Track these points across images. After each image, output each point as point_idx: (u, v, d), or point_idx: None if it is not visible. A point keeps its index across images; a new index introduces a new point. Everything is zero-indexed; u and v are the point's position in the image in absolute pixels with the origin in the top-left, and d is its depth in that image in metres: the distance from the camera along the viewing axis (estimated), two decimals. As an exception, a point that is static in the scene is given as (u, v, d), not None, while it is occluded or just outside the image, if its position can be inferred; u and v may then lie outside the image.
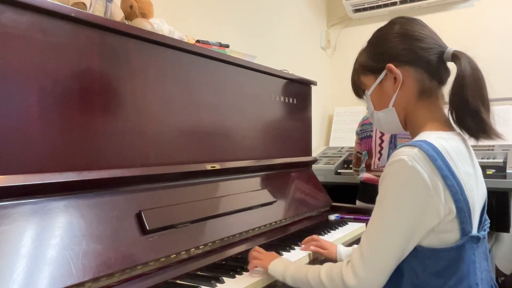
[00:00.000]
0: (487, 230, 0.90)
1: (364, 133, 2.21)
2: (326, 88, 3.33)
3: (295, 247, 1.25)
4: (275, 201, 1.49)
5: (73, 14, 0.91)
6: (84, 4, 1.07)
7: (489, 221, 0.93)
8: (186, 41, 1.36)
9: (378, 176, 2.07)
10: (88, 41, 0.96)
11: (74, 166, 0.92)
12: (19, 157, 0.83)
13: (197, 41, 1.46)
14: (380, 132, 2.11)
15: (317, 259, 1.22)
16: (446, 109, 0.92)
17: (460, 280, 0.80)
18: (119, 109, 1.04)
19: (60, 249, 0.81)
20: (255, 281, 0.99)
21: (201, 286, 0.93)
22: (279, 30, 2.73)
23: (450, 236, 0.80)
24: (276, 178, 1.61)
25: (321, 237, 1.39)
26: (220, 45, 1.50)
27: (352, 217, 1.71)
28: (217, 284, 0.95)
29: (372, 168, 2.14)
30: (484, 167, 2.24)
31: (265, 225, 1.39)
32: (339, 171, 2.66)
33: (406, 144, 0.82)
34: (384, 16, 3.13)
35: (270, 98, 1.65)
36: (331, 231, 1.48)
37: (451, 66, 0.91)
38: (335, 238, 1.38)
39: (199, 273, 1.03)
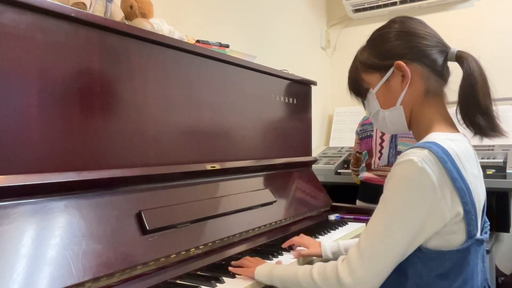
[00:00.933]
0: (488, 232, 0.90)
1: (365, 133, 2.21)
2: (326, 88, 3.33)
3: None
4: (275, 201, 1.49)
5: (73, 14, 0.91)
6: (84, 4, 1.07)
7: (489, 223, 0.93)
8: (186, 41, 1.36)
9: (379, 176, 2.07)
10: (88, 41, 0.96)
11: (74, 166, 0.92)
12: (19, 157, 0.83)
13: (197, 41, 1.46)
14: (381, 132, 2.11)
15: (312, 261, 1.20)
16: (448, 109, 0.92)
17: (465, 282, 0.80)
18: (119, 109, 1.04)
19: (60, 249, 0.81)
20: (255, 281, 0.99)
21: (201, 286, 0.93)
22: (279, 30, 2.73)
23: (455, 237, 0.80)
24: (276, 178, 1.61)
25: (320, 237, 1.39)
26: (220, 45, 1.50)
27: (352, 217, 1.71)
28: (217, 284, 0.95)
29: (372, 167, 2.14)
30: (484, 167, 2.24)
31: (265, 225, 1.39)
32: (339, 171, 2.66)
33: (416, 145, 0.81)
34: (384, 16, 3.13)
35: (270, 98, 1.65)
36: (331, 231, 1.48)
37: (452, 66, 0.91)
38: (335, 238, 1.38)
39: (199, 273, 1.03)
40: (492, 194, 2.24)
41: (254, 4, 2.49)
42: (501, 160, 2.29)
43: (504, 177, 2.14)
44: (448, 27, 2.82)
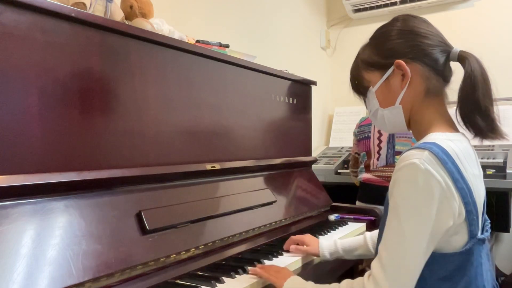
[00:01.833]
0: (489, 230, 0.90)
1: (362, 134, 2.22)
2: (326, 88, 3.34)
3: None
4: (275, 201, 1.49)
5: (73, 14, 0.91)
6: (84, 4, 1.07)
7: (489, 221, 0.92)
8: (186, 41, 1.36)
9: (378, 176, 2.07)
10: (88, 41, 0.96)
11: (74, 166, 0.92)
12: (19, 157, 0.83)
13: (197, 41, 1.46)
14: (378, 133, 2.12)
15: (311, 263, 1.20)
16: (449, 109, 0.92)
17: (469, 283, 0.80)
18: (119, 109, 1.04)
19: (60, 249, 0.81)
20: (255, 281, 0.99)
21: (201, 286, 0.93)
22: (279, 30, 2.73)
23: (458, 238, 0.79)
24: (276, 178, 1.61)
25: (320, 237, 1.39)
26: (220, 45, 1.50)
27: (352, 217, 1.71)
28: (217, 284, 0.94)
29: (371, 168, 2.14)
30: (484, 167, 2.23)
31: (265, 225, 1.39)
32: (339, 171, 2.66)
33: (415, 146, 0.81)
34: (384, 16, 3.13)
35: (270, 98, 1.65)
36: (331, 231, 1.48)
37: (454, 66, 0.91)
38: (334, 238, 1.38)
39: (199, 273, 1.03)
40: (492, 194, 2.24)
41: (254, 4, 2.49)
42: (501, 160, 2.29)
43: (504, 177, 2.14)
44: (448, 27, 2.81)
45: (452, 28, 2.85)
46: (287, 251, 1.22)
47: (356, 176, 2.35)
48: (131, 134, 1.06)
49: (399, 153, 2.04)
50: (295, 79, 1.80)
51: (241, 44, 2.15)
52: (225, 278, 0.98)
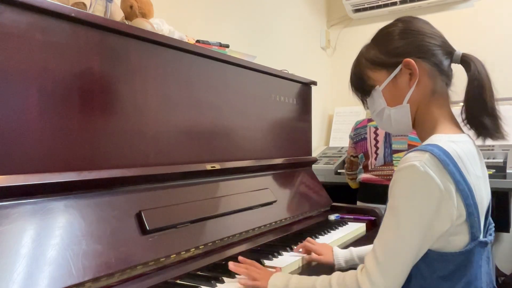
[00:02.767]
0: (493, 234, 0.90)
1: (358, 137, 2.25)
2: (326, 88, 3.33)
3: (295, 248, 1.25)
4: (275, 201, 1.49)
5: (73, 14, 0.91)
6: (84, 4, 1.07)
7: (493, 224, 0.92)
8: (186, 41, 1.36)
9: (377, 176, 2.09)
10: (88, 41, 0.96)
11: (74, 166, 0.92)
12: (19, 157, 0.83)
13: (197, 41, 1.46)
14: (374, 133, 2.16)
15: (310, 263, 1.20)
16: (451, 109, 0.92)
17: (468, 284, 0.80)
18: (119, 109, 1.04)
19: (60, 249, 0.81)
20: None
21: (201, 286, 0.93)
22: (279, 30, 2.73)
23: (458, 239, 0.80)
24: (276, 178, 1.61)
25: (320, 237, 1.39)
26: (220, 45, 1.50)
27: (352, 217, 1.71)
28: (217, 284, 0.94)
29: (369, 168, 2.16)
30: (484, 167, 2.25)
31: (265, 225, 1.39)
32: (339, 171, 2.66)
33: (417, 148, 0.81)
34: (384, 16, 3.14)
35: (270, 98, 1.65)
36: (331, 231, 1.48)
37: (455, 68, 0.91)
38: (335, 238, 1.38)
39: (199, 273, 1.03)
40: (492, 194, 2.22)
41: (254, 4, 2.49)
42: (501, 160, 2.29)
43: (504, 177, 2.14)
44: (448, 27, 2.81)
45: (452, 28, 2.85)
46: (287, 250, 1.22)
47: (352, 178, 2.38)
48: (131, 134, 1.06)
49: (396, 151, 2.06)
50: (295, 79, 1.80)
51: (241, 44, 2.15)
52: (225, 278, 0.98)
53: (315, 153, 2.92)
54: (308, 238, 1.23)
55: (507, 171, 2.14)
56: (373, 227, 1.63)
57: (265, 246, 1.28)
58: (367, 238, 1.49)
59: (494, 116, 0.85)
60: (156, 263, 0.98)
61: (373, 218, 1.68)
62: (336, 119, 3.28)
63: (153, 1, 1.39)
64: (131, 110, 1.06)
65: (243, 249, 1.21)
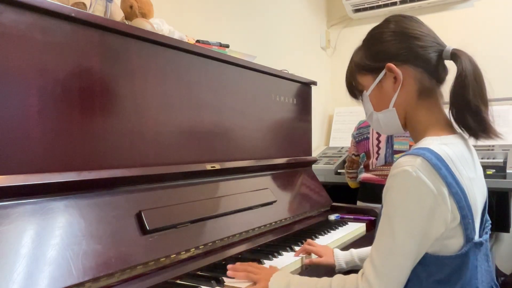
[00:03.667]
0: (489, 232, 0.90)
1: (361, 136, 2.25)
2: (326, 88, 3.33)
3: (295, 248, 1.25)
4: (275, 201, 1.49)
5: (73, 14, 0.91)
6: (84, 4, 1.07)
7: (490, 222, 0.92)
8: (186, 41, 1.36)
9: (377, 175, 2.09)
10: (88, 41, 0.96)
11: (74, 166, 0.92)
12: (19, 157, 0.83)
13: (197, 41, 1.46)
14: (377, 133, 2.15)
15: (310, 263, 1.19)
16: (445, 109, 0.91)
17: (464, 286, 0.80)
18: (119, 109, 1.04)
19: (60, 249, 0.81)
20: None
21: (201, 286, 0.93)
22: (279, 30, 2.73)
23: (453, 242, 0.80)
24: (276, 178, 1.61)
25: (320, 237, 1.39)
26: (220, 45, 1.50)
27: (352, 217, 1.71)
28: (217, 284, 0.94)
29: (370, 168, 2.16)
30: (484, 167, 2.22)
31: (265, 225, 1.39)
32: (339, 171, 2.66)
33: (409, 152, 0.81)
34: (384, 16, 3.12)
35: (270, 98, 1.65)
36: (331, 231, 1.48)
37: (449, 64, 0.90)
38: (335, 238, 1.38)
39: (199, 273, 1.03)
40: (492, 194, 2.24)
41: (254, 4, 2.49)
42: (501, 160, 2.29)
43: (504, 177, 2.14)
44: (448, 27, 2.82)
45: (452, 28, 2.85)
46: (287, 250, 1.22)
47: (351, 177, 2.38)
48: (131, 134, 1.06)
49: (398, 152, 2.07)
50: (295, 79, 1.80)
51: (241, 44, 2.15)
52: (225, 278, 0.97)
53: (315, 153, 2.92)
54: (309, 240, 1.23)
55: (507, 171, 2.14)
56: (373, 227, 1.63)
57: (265, 246, 1.28)
58: (367, 238, 1.49)
59: (478, 116, 0.83)
60: (156, 263, 0.98)
61: (373, 218, 1.68)
62: (336, 119, 3.27)
63: (153, 1, 1.39)
64: (131, 110, 1.06)
65: (243, 249, 1.21)
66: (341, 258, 1.16)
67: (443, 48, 0.88)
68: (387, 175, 0.83)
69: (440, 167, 0.77)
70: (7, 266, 0.73)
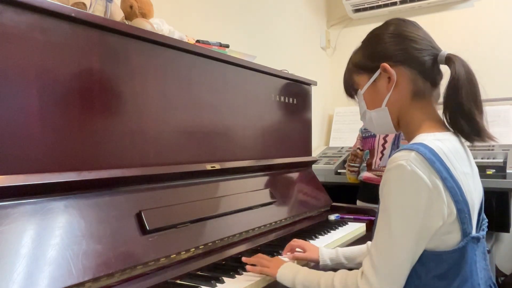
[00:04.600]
0: (486, 229, 0.90)
1: (369, 132, 2.22)
2: (326, 88, 3.33)
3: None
4: (275, 201, 1.49)
5: (73, 14, 0.91)
6: (84, 4, 1.07)
7: (486, 220, 0.93)
8: (186, 41, 1.36)
9: (379, 176, 2.08)
10: (88, 41, 0.96)
11: (74, 166, 0.92)
12: (19, 157, 0.83)
13: (197, 41, 1.46)
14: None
15: (309, 263, 1.18)
16: (439, 111, 0.92)
17: (464, 282, 0.80)
18: (119, 109, 1.04)
19: (60, 249, 0.81)
20: (255, 281, 0.99)
21: (201, 286, 0.93)
22: (279, 30, 2.73)
23: (451, 237, 0.80)
24: (276, 178, 1.61)
25: (320, 237, 1.39)
26: (220, 45, 1.50)
27: (352, 217, 1.71)
28: (217, 284, 0.95)
29: (372, 167, 2.15)
30: (484, 167, 2.24)
31: (265, 225, 1.39)
32: (339, 171, 2.66)
33: (403, 147, 0.82)
34: (384, 16, 3.13)
35: (270, 98, 1.65)
36: (331, 231, 1.48)
37: (444, 69, 0.91)
38: (335, 238, 1.38)
39: (199, 273, 1.03)
40: (492, 194, 2.24)
41: (254, 4, 2.49)
42: (501, 160, 2.29)
43: (504, 177, 2.14)
44: (448, 27, 2.82)
45: (452, 28, 2.85)
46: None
47: (352, 171, 2.33)
48: (131, 134, 1.06)
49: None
50: (295, 79, 1.80)
51: (241, 44, 2.15)
52: (225, 278, 0.98)
53: (315, 153, 2.92)
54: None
55: (507, 171, 2.14)
56: (373, 227, 1.63)
57: (265, 246, 1.28)
58: (367, 238, 1.48)
59: (471, 120, 0.84)
60: (156, 263, 0.98)
61: (373, 218, 1.68)
62: (336, 119, 3.27)
63: (153, 1, 1.39)
64: (131, 110, 1.06)
65: (243, 249, 1.21)
66: (326, 254, 1.16)
67: (438, 52, 0.90)
68: None
69: (434, 161, 0.78)
70: (7, 266, 0.73)
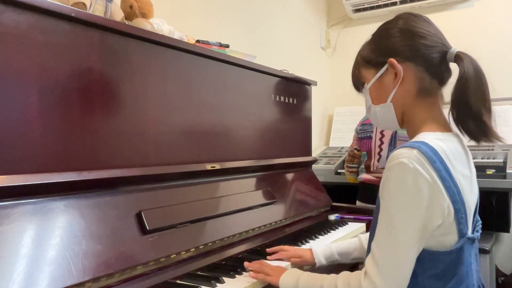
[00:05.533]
0: (480, 231, 0.90)
1: (364, 133, 2.21)
2: (326, 88, 3.33)
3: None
4: (275, 201, 1.49)
5: (73, 14, 0.91)
6: (84, 4, 1.07)
7: (480, 222, 0.93)
8: (186, 41, 1.36)
9: (378, 178, 2.07)
10: (88, 41, 0.96)
11: (74, 166, 0.92)
12: (19, 157, 0.83)
13: (197, 41, 1.46)
14: (380, 134, 2.11)
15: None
16: (445, 109, 0.91)
17: (460, 282, 0.80)
18: (119, 109, 1.04)
19: (60, 249, 0.81)
20: (255, 281, 0.99)
21: (201, 286, 0.93)
22: (279, 30, 2.73)
23: (448, 238, 0.80)
24: (276, 178, 1.61)
25: (320, 237, 1.39)
26: (220, 45, 1.50)
27: (352, 217, 1.71)
28: (217, 284, 0.95)
29: (371, 169, 2.14)
30: (484, 167, 2.24)
31: (265, 225, 1.39)
32: (339, 171, 2.66)
33: (405, 145, 0.81)
34: (384, 16, 3.13)
35: (270, 98, 1.65)
36: (331, 231, 1.48)
37: (453, 67, 0.90)
38: (335, 238, 1.38)
39: (199, 273, 1.03)
40: (492, 194, 2.24)
41: (254, 4, 2.49)
42: (501, 160, 2.29)
43: (504, 177, 2.14)
44: (448, 27, 2.81)
45: (452, 28, 2.84)
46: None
47: (351, 171, 2.32)
48: (131, 134, 1.06)
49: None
50: (295, 79, 1.80)
51: (241, 44, 2.15)
52: (225, 278, 0.98)
53: (315, 153, 2.92)
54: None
55: (507, 171, 2.14)
56: (370, 226, 1.63)
57: (265, 246, 1.28)
58: (367, 238, 1.49)
59: (479, 121, 0.83)
60: (156, 263, 0.98)
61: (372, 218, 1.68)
62: (336, 119, 3.27)
63: (153, 1, 1.39)
64: (131, 110, 1.06)
65: (243, 249, 1.21)
66: (320, 254, 1.14)
67: (447, 50, 0.88)
68: None
69: (434, 160, 0.78)
70: (7, 266, 0.73)
